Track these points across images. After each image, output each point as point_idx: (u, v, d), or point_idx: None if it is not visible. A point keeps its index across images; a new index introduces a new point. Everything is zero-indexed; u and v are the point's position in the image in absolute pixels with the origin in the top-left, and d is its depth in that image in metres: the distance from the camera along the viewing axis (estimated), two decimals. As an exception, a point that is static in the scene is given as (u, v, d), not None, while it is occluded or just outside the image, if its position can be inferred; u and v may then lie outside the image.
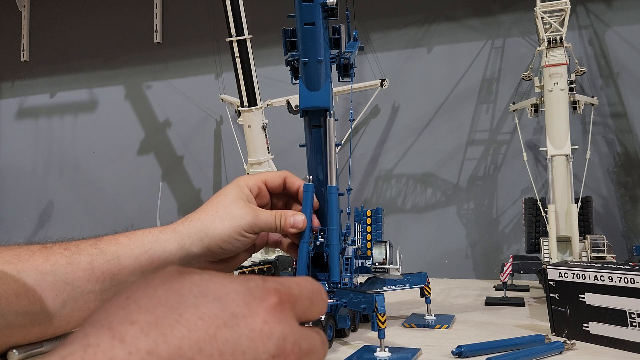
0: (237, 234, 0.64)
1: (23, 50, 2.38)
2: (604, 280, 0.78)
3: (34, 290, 0.52)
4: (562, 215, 1.17)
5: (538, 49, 1.24)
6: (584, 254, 1.14)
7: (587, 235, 1.18)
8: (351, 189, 0.89)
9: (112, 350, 0.22)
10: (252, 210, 0.65)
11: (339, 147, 0.81)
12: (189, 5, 2.13)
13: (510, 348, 0.76)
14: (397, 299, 1.16)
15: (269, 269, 1.39)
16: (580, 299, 0.81)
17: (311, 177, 0.73)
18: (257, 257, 1.43)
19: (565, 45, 1.19)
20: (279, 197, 0.74)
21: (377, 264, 0.97)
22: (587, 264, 0.86)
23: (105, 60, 2.27)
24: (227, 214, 0.64)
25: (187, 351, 0.23)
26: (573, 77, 1.26)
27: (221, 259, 0.67)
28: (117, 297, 0.26)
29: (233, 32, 1.43)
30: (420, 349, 0.76)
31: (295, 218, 0.68)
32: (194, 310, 0.25)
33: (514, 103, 1.45)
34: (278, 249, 1.15)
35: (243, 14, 1.44)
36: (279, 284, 0.28)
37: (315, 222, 0.75)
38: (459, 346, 0.74)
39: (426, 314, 0.98)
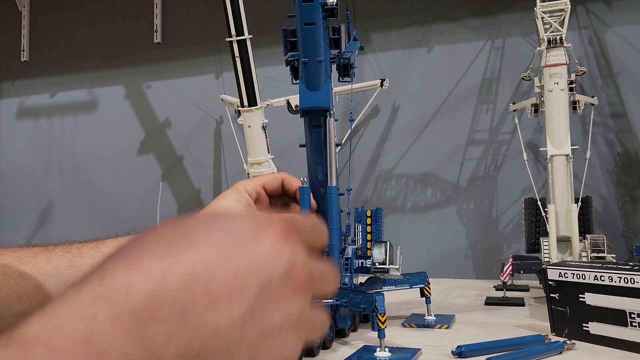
0: None
1: (23, 50, 2.38)
2: (604, 280, 0.78)
3: (35, 293, 0.52)
4: (562, 215, 1.17)
5: (538, 49, 1.24)
6: (584, 254, 1.14)
7: (587, 235, 1.18)
8: (351, 189, 0.89)
9: (129, 274, 0.23)
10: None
11: (339, 147, 0.81)
12: (189, 5, 2.13)
13: (510, 348, 0.76)
14: (397, 299, 1.16)
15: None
16: (580, 299, 0.81)
17: (305, 178, 0.73)
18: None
19: (565, 45, 1.19)
20: (278, 199, 0.74)
21: (377, 264, 0.97)
22: (587, 264, 0.86)
23: (105, 60, 2.26)
24: None
25: (201, 274, 0.24)
26: (573, 77, 1.26)
27: None
28: (127, 241, 0.27)
29: (233, 32, 1.43)
30: (420, 349, 0.76)
31: None
32: (205, 236, 0.26)
33: (514, 103, 1.45)
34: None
35: (243, 14, 1.44)
36: (283, 215, 0.29)
37: None
38: (459, 346, 0.74)
39: (426, 314, 0.98)
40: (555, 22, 1.20)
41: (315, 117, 0.76)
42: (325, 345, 0.78)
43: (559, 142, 1.17)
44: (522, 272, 1.17)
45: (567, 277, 0.83)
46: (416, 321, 0.95)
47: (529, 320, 0.99)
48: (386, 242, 0.98)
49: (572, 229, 1.14)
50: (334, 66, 0.79)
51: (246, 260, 0.25)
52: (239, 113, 1.53)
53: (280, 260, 0.26)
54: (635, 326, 0.74)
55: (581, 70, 1.33)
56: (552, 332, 0.85)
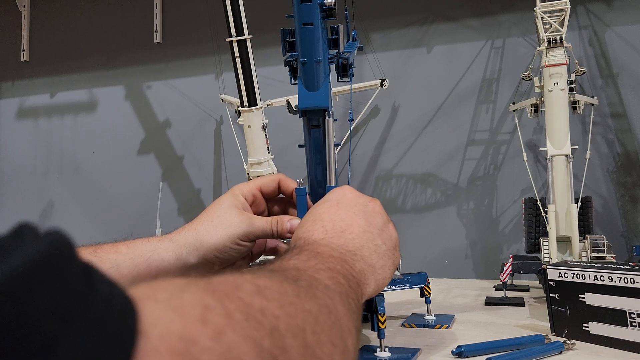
0: (232, 242, 0.64)
1: (23, 50, 2.38)
2: (603, 280, 0.78)
3: None
4: (562, 215, 1.17)
5: (538, 49, 1.24)
6: (583, 254, 1.13)
7: (587, 235, 1.18)
8: (351, 189, 0.89)
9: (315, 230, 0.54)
10: (247, 218, 0.65)
11: (338, 147, 0.81)
12: (189, 5, 2.13)
13: (510, 348, 0.76)
14: (397, 299, 1.16)
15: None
16: (580, 299, 0.81)
17: (301, 180, 0.73)
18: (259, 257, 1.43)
19: (565, 45, 1.19)
20: (275, 202, 0.74)
21: (376, 264, 0.96)
22: (587, 264, 0.86)
23: (105, 60, 2.26)
24: (221, 223, 0.64)
25: (362, 218, 0.58)
26: (573, 77, 1.26)
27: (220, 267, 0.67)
28: (310, 210, 0.60)
29: (233, 32, 1.43)
30: (420, 349, 0.76)
31: (292, 223, 0.67)
32: (354, 205, 0.60)
33: (514, 103, 1.45)
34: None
35: (243, 14, 1.43)
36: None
37: None
38: (459, 346, 0.74)
39: (426, 314, 0.98)
40: (555, 22, 1.20)
41: (314, 117, 0.76)
42: (324, 345, 0.78)
43: (559, 142, 1.17)
44: (522, 272, 1.17)
45: (567, 277, 0.83)
46: (416, 321, 0.95)
47: (529, 320, 0.99)
48: (386, 242, 0.98)
49: (572, 229, 1.14)
50: (333, 66, 0.79)
51: (387, 236, 0.58)
52: (239, 113, 1.53)
53: (395, 240, 0.60)
54: (635, 326, 0.74)
55: (581, 70, 1.33)
56: (552, 332, 0.85)
